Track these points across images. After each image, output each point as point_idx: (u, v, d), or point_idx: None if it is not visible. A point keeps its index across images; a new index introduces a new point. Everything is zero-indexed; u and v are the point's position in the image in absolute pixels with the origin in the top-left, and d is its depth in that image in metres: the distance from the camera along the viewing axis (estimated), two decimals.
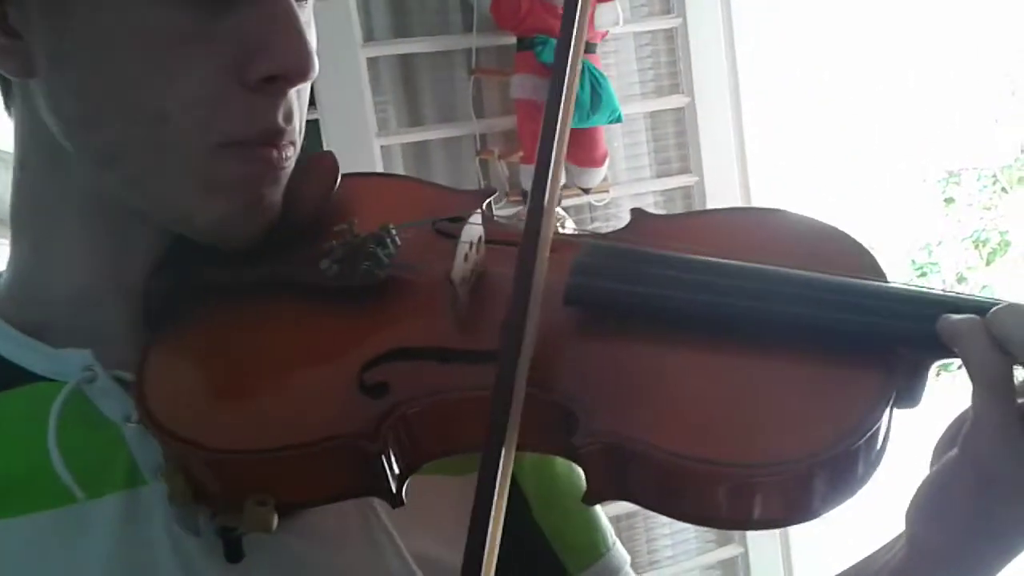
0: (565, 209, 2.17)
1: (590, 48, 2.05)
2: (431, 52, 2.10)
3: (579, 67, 0.58)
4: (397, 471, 0.58)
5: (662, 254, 0.64)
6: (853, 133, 5.81)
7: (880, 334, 0.58)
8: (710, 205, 2.30)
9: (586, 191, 2.18)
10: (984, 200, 6.59)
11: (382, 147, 2.07)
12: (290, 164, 0.65)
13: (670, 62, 2.29)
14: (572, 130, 0.60)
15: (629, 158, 2.30)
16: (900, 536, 0.64)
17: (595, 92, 2.01)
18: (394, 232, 0.67)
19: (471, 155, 2.15)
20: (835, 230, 0.67)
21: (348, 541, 0.65)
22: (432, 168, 2.14)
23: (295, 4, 0.61)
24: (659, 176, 2.32)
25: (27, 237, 0.67)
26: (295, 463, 0.57)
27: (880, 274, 0.64)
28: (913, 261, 6.44)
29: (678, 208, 2.32)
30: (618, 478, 0.56)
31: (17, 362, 0.64)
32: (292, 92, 0.62)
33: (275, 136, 0.62)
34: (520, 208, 2.12)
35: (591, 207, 2.24)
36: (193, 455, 0.58)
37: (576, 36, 0.58)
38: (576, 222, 2.20)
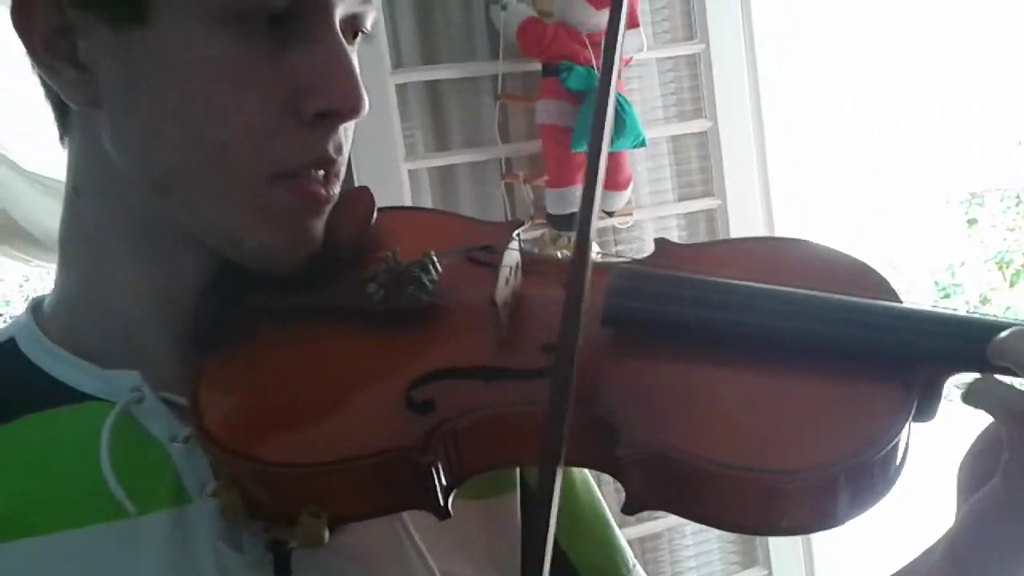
0: None
1: None
2: (458, 78, 2.12)
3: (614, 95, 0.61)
4: (445, 483, 0.60)
5: (693, 277, 0.67)
6: (875, 154, 5.80)
7: (905, 353, 0.61)
8: (733, 228, 2.32)
9: (610, 214, 2.19)
10: (1007, 221, 6.55)
11: (409, 171, 2.09)
12: (335, 198, 0.67)
13: (693, 87, 2.31)
14: None
15: (652, 181, 2.32)
16: (936, 547, 0.66)
17: (619, 117, 2.03)
18: (435, 259, 0.69)
19: (496, 179, 2.17)
20: (855, 259, 0.71)
21: (382, 558, 0.67)
22: (458, 192, 2.16)
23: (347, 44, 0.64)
24: (682, 199, 2.34)
25: (77, 261, 0.69)
26: (349, 476, 0.59)
27: (897, 301, 0.66)
28: (936, 283, 6.41)
29: (701, 231, 2.34)
30: (656, 488, 0.59)
31: (67, 382, 0.66)
32: (341, 127, 0.65)
33: (326, 164, 0.65)
34: (544, 231, 2.14)
35: (615, 230, 2.25)
36: (249, 469, 0.60)
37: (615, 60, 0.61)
38: (600, 245, 2.21)
